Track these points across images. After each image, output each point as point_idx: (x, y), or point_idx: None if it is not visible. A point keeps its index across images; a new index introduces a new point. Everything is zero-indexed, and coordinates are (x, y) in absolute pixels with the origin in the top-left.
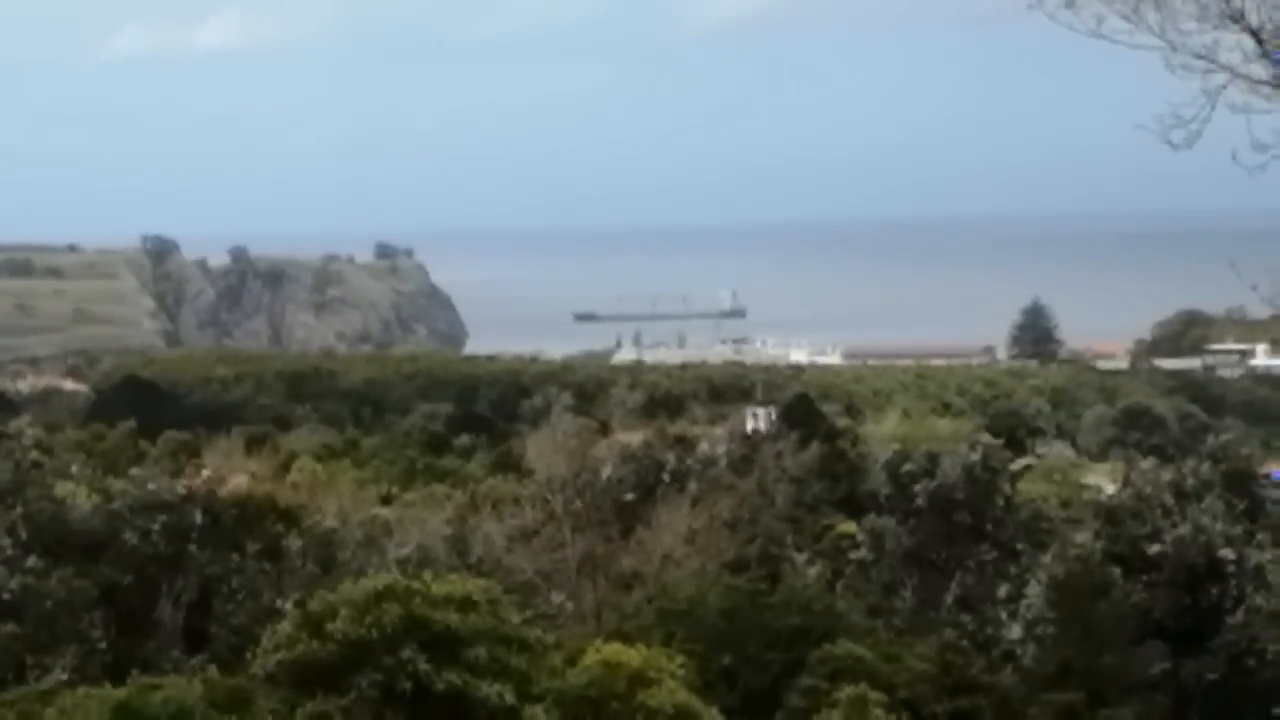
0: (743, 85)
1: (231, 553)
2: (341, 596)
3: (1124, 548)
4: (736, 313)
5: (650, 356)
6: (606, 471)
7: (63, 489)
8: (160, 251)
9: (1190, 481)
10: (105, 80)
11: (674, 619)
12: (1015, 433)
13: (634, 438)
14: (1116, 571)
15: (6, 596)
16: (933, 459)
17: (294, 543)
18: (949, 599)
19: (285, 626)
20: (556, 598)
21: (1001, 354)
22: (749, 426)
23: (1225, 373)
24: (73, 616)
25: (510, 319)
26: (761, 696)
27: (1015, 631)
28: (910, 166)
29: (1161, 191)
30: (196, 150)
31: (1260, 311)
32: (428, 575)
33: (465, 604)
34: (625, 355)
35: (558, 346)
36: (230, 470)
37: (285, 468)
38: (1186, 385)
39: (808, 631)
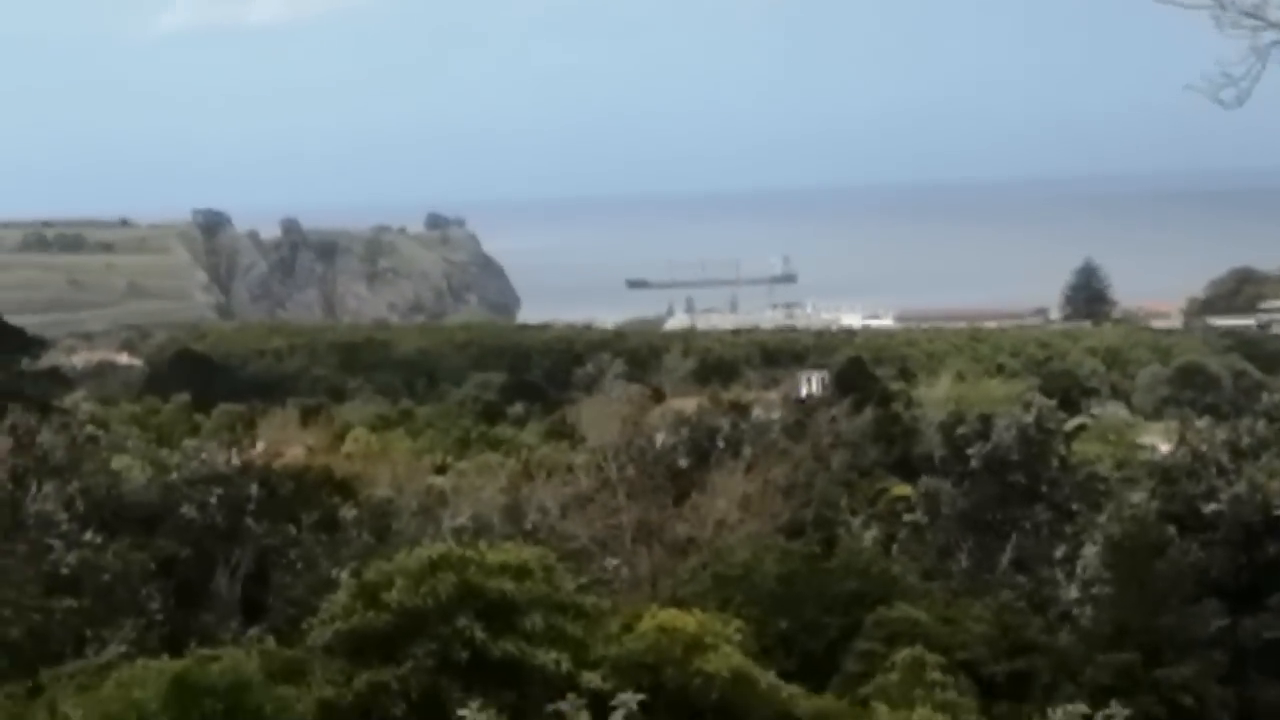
0: (787, 51)
1: (288, 524)
2: (396, 566)
3: (1180, 507)
4: (788, 277)
5: (702, 322)
6: (660, 438)
7: (118, 463)
8: (212, 225)
9: (1246, 439)
10: (156, 56)
11: (730, 584)
12: (1069, 393)
13: (687, 404)
14: (1172, 531)
15: (64, 571)
16: (987, 421)
17: (349, 513)
18: (1004, 561)
19: (341, 597)
20: (611, 564)
21: (1055, 315)
22: (802, 391)
23: (1279, 330)
24: (130, 590)
25: (562, 287)
26: (818, 661)
27: (1072, 592)
28: (961, 129)
29: (1213, 150)
30: (247, 124)
31: None
32: (482, 544)
33: (520, 572)
34: (677, 322)
35: (610, 314)
36: (285, 442)
37: (340, 439)
38: (1240, 343)
39: (864, 595)
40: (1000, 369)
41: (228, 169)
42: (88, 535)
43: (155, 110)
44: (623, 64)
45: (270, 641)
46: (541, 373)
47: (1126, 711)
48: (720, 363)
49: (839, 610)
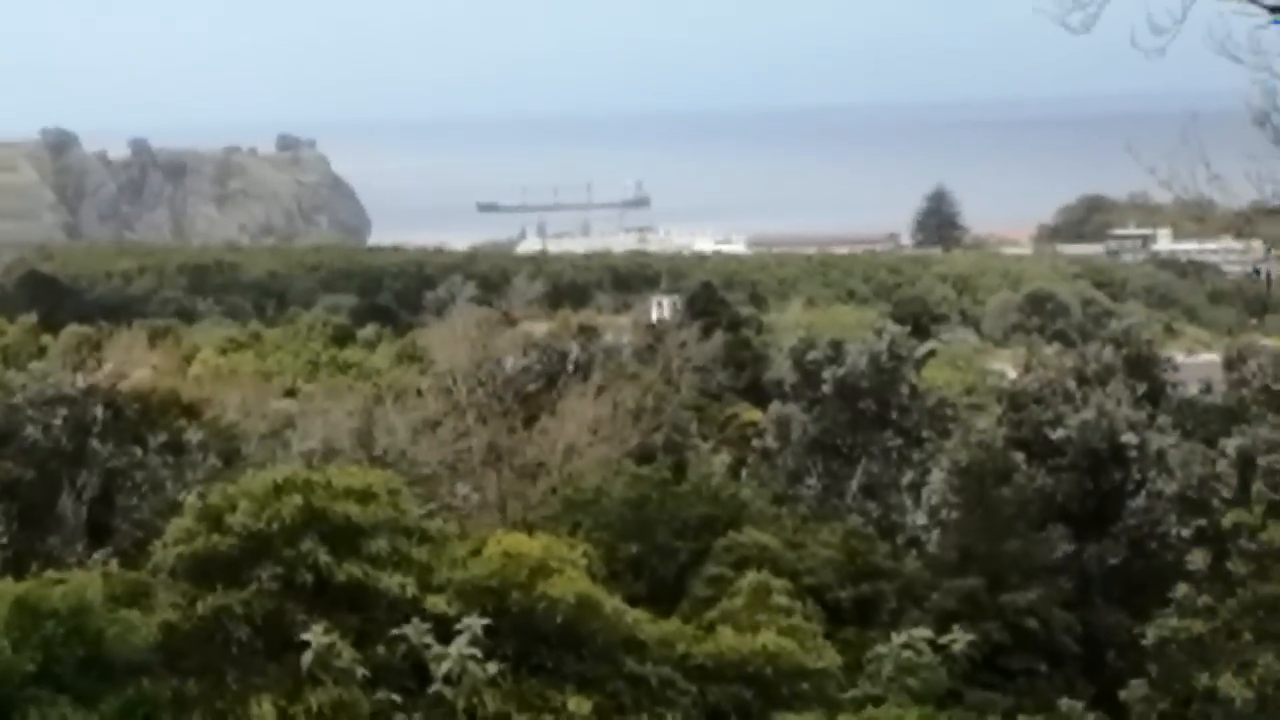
0: None
1: (134, 447)
2: (241, 489)
3: (1027, 433)
4: (641, 202)
5: (554, 246)
6: (510, 362)
7: None
8: (60, 144)
9: (1093, 366)
10: None
11: (580, 509)
12: (919, 319)
13: (538, 328)
14: (1019, 457)
15: None
16: (838, 347)
17: (196, 436)
18: (854, 486)
19: (184, 520)
20: (461, 489)
21: (906, 241)
22: (654, 316)
23: (1128, 257)
24: None
25: (413, 210)
26: (668, 585)
27: (919, 518)
28: (813, 54)
29: (1062, 77)
30: (96, 42)
31: (1162, 196)
32: (329, 468)
33: (366, 495)
34: (529, 245)
35: (461, 237)
36: (133, 364)
37: (188, 361)
38: (1090, 270)
39: (714, 520)
40: (851, 295)
41: (76, 88)
42: None
43: (0, 28)
44: None
45: (115, 565)
46: (392, 296)
47: (970, 636)
48: (571, 286)
49: (689, 535)
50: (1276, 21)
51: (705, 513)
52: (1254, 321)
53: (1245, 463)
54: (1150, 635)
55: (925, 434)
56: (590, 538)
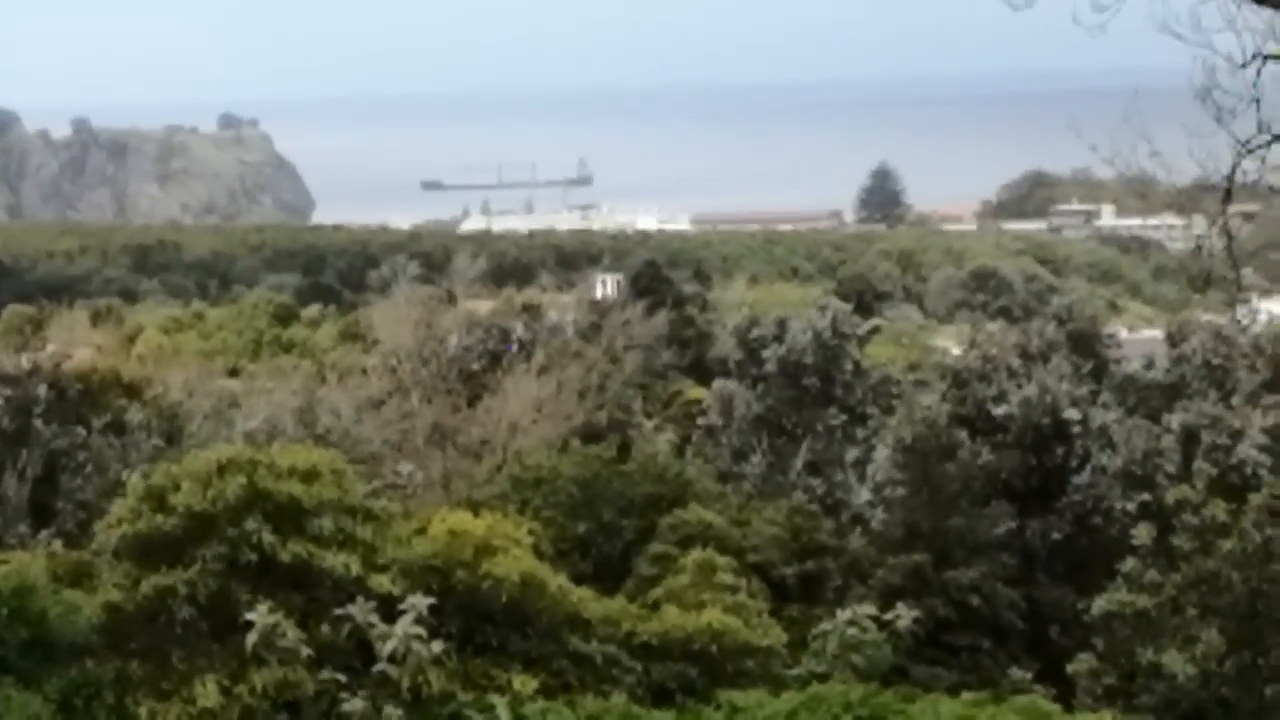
0: None
1: (77, 427)
2: (184, 469)
3: (970, 410)
4: (584, 180)
5: (498, 225)
6: (454, 340)
7: None
8: (1, 124)
9: (1036, 343)
10: None
11: (528, 487)
12: (863, 297)
13: (481, 306)
14: (963, 434)
15: None
16: (781, 324)
17: (139, 416)
18: (798, 464)
19: (128, 500)
20: (405, 468)
21: (849, 218)
22: (597, 294)
23: (1071, 234)
24: None
25: (357, 188)
26: (615, 564)
27: (863, 495)
28: (757, 31)
29: (1005, 53)
30: (36, 21)
31: (1105, 172)
32: (273, 447)
33: (309, 475)
34: (473, 224)
35: (405, 216)
36: (75, 344)
37: (131, 341)
38: (1033, 246)
39: (661, 499)
40: (794, 272)
41: (16, 67)
42: None
43: None
44: None
45: (58, 545)
46: (336, 274)
47: (915, 612)
48: (515, 265)
49: (636, 513)
50: None
51: (651, 491)
52: (1196, 298)
53: (1188, 438)
54: (1095, 610)
55: (869, 411)
56: (539, 516)
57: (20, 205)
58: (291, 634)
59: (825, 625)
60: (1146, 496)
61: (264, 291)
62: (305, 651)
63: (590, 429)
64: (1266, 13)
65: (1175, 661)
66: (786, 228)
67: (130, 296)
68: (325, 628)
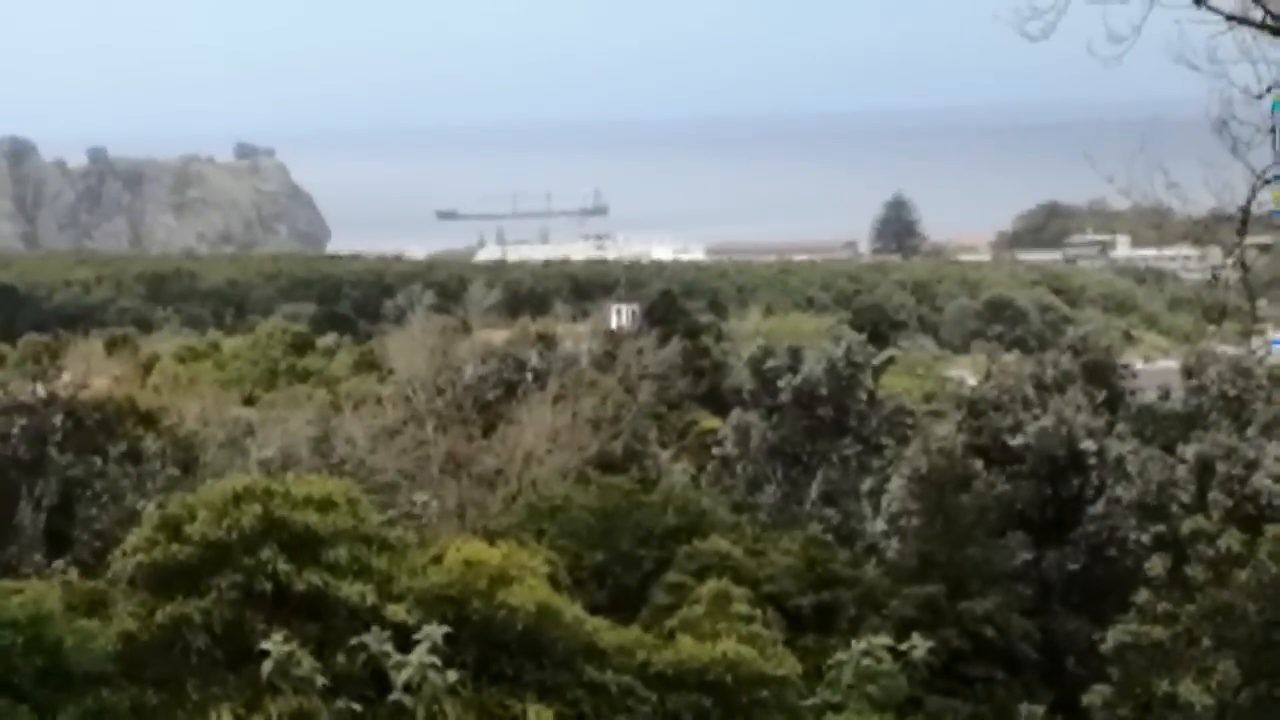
0: None
1: (93, 456)
2: (200, 498)
3: (986, 440)
4: (599, 210)
5: (513, 254)
6: (469, 370)
7: None
8: (18, 152)
9: (1051, 373)
10: None
11: (545, 517)
12: (878, 327)
13: (497, 336)
14: (979, 464)
15: None
16: (796, 354)
17: (155, 445)
18: (813, 494)
19: (143, 529)
20: (420, 497)
21: (864, 248)
22: (612, 324)
23: (1086, 264)
24: None
25: (372, 218)
26: (631, 594)
27: (878, 525)
28: (772, 62)
29: (1020, 84)
30: (55, 51)
31: (1120, 203)
32: (288, 476)
33: (325, 504)
34: (488, 253)
35: (420, 245)
36: (91, 373)
37: (147, 370)
38: (1048, 277)
39: (679, 529)
40: (810, 302)
41: (33, 97)
42: None
43: None
44: None
45: (74, 574)
46: (351, 304)
47: (930, 643)
48: (530, 294)
49: (654, 544)
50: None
51: (671, 522)
52: (1212, 329)
53: (1203, 469)
54: (1110, 641)
55: (884, 441)
56: (554, 546)
57: (36, 234)
58: (307, 663)
59: (840, 655)
60: (1161, 527)
61: (279, 321)
62: (320, 681)
63: (605, 459)
64: None
65: (1191, 692)
66: (802, 258)
67: (146, 326)
68: (340, 657)
